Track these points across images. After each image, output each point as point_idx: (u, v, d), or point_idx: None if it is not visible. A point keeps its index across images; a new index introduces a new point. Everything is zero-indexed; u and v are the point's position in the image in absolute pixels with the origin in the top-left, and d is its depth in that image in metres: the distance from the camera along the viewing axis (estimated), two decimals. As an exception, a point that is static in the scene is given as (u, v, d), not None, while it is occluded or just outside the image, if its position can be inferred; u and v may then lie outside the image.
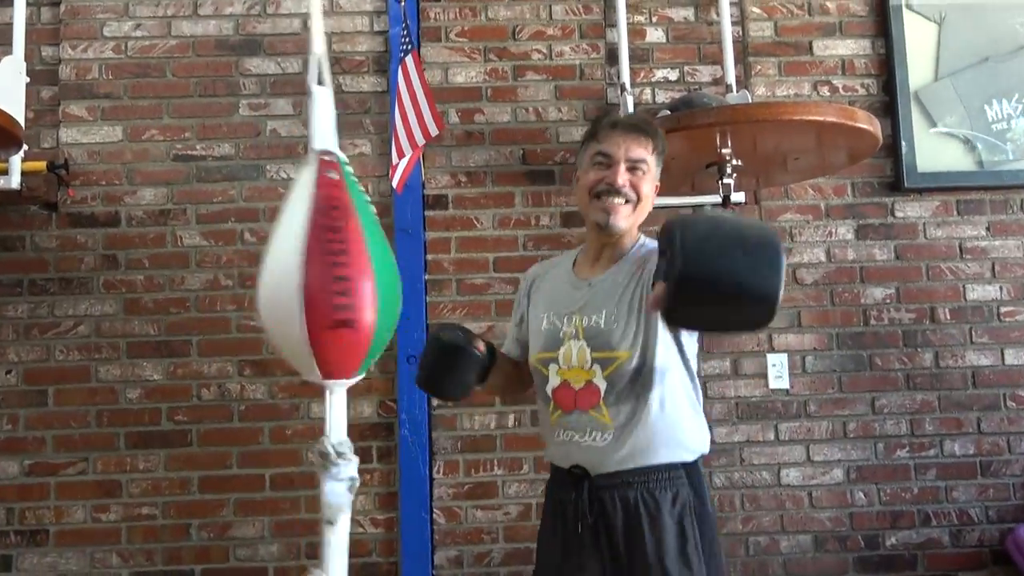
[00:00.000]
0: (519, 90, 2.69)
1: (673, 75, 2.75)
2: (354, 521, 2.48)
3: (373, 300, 1.05)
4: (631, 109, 2.58)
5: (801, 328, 2.65)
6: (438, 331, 1.57)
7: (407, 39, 2.35)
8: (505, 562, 2.51)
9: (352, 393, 2.52)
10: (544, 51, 2.71)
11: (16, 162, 2.46)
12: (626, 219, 1.51)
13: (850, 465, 2.60)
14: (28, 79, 2.54)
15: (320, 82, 1.17)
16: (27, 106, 2.55)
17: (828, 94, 2.75)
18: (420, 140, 2.28)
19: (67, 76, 2.64)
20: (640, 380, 1.45)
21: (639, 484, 1.44)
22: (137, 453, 2.52)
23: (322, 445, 1.07)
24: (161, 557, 2.49)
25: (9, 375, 2.53)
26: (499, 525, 2.52)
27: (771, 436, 2.60)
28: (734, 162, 2.17)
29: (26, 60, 2.54)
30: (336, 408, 1.11)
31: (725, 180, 2.18)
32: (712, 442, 2.53)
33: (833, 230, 2.70)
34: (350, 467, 1.09)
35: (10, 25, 2.53)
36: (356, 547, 2.47)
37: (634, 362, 1.45)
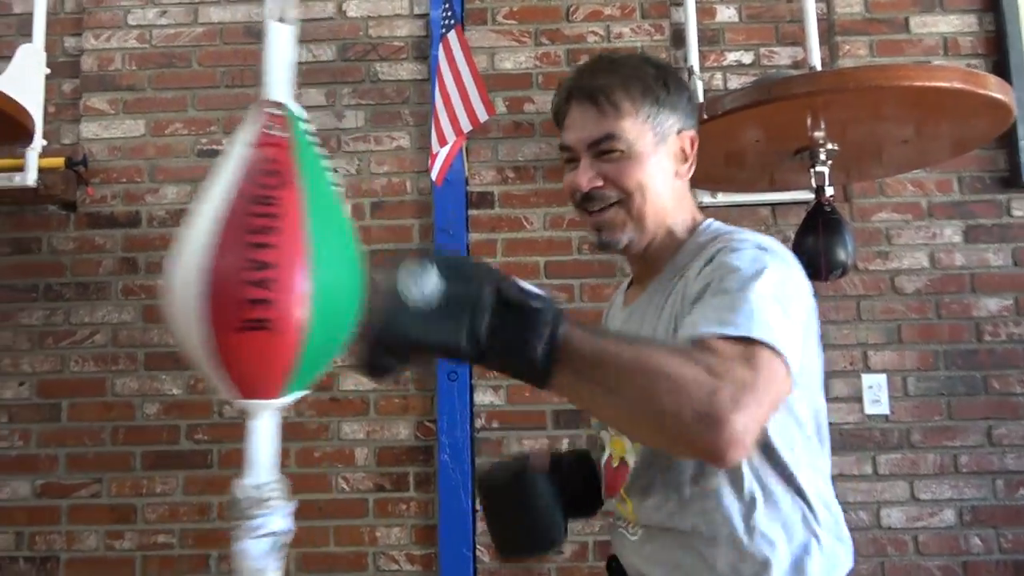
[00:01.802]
0: (574, 76, 2.41)
1: (747, 58, 2.44)
2: (389, 557, 2.24)
3: (305, 295, 0.76)
4: (701, 96, 2.28)
5: (901, 344, 2.29)
6: (478, 478, 1.18)
7: (449, 15, 2.10)
8: (557, 608, 2.21)
9: (385, 412, 2.30)
10: (601, 33, 2.43)
11: (33, 158, 2.29)
12: (625, 229, 1.01)
13: (963, 506, 2.21)
14: (49, 71, 2.38)
15: (281, 18, 0.90)
16: (48, 100, 2.40)
17: (930, 75, 2.39)
18: (466, 126, 2.02)
19: (89, 67, 2.47)
20: (669, 468, 0.95)
21: None
22: (154, 475, 2.30)
23: (238, 488, 0.78)
24: (177, 591, 2.26)
25: (22, 387, 2.35)
26: (551, 566, 2.22)
27: (868, 470, 2.24)
28: (829, 146, 1.85)
29: (48, 51, 2.38)
30: (259, 437, 0.81)
31: (819, 168, 1.85)
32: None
33: (937, 231, 2.34)
34: (275, 518, 0.80)
35: (32, 14, 2.38)
36: (390, 586, 2.21)
37: None
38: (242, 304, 0.73)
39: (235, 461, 2.27)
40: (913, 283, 2.32)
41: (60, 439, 2.32)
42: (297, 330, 0.76)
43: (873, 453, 2.24)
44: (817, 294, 2.34)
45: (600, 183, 1.00)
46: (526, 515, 1.08)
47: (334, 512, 2.26)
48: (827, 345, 2.26)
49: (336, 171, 2.40)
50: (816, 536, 0.93)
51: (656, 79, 1.02)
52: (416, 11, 2.46)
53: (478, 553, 2.23)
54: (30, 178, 2.28)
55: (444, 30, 2.09)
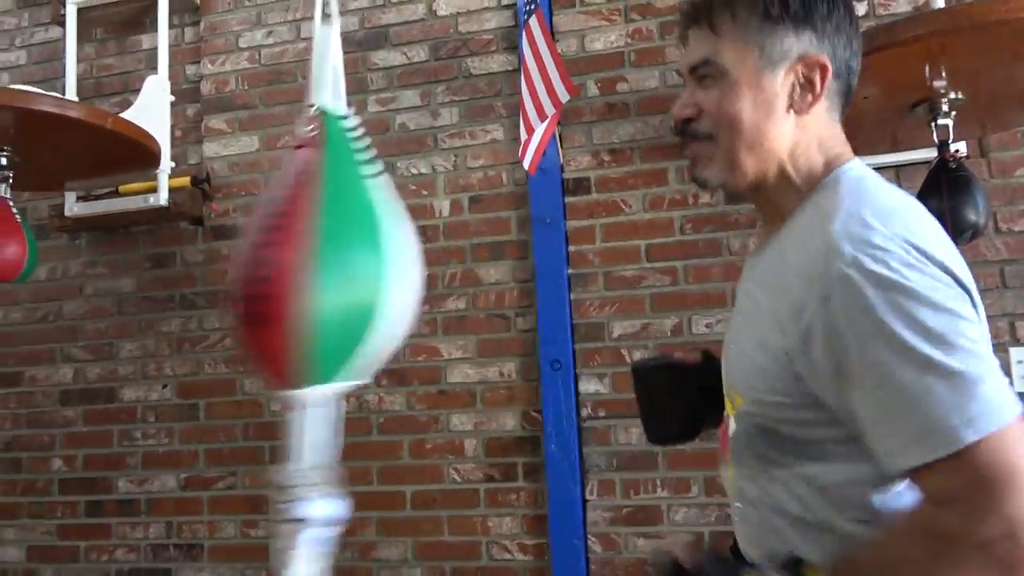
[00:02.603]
0: (668, 50, 2.32)
1: (860, 8, 2.24)
2: (501, 547, 2.25)
3: (305, 288, 0.76)
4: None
5: (1058, 312, 2.02)
6: (632, 366, 1.14)
7: (531, 2, 2.08)
8: (675, 601, 2.13)
9: (492, 404, 2.31)
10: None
11: (163, 179, 2.49)
12: (711, 165, 0.90)
13: None
14: (173, 98, 2.59)
15: (328, 21, 0.92)
16: (174, 124, 2.60)
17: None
18: (550, 110, 1.99)
19: (208, 91, 2.66)
20: (762, 450, 0.86)
21: None
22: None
23: (279, 473, 0.79)
24: (307, 577, 2.38)
25: (165, 389, 2.56)
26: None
27: (1022, 454, 2.00)
28: (951, 96, 1.66)
29: (171, 80, 2.58)
30: (296, 425, 0.82)
31: (940, 121, 1.67)
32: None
33: (1097, 182, 2.06)
34: (318, 504, 0.80)
35: (156, 48, 2.59)
36: (504, 574, 2.23)
37: (751, 409, 0.86)
38: (247, 300, 0.76)
39: (354, 454, 2.37)
40: (1069, 243, 2.05)
41: (199, 436, 2.52)
42: (300, 321, 0.77)
43: (1029, 436, 1.99)
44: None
45: (692, 112, 0.90)
46: (672, 402, 1.07)
47: (447, 502, 2.31)
48: (967, 317, 2.05)
49: (434, 168, 2.45)
50: None
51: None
52: (503, 2, 2.46)
53: (590, 543, 2.20)
54: (162, 198, 2.49)
55: (526, 16, 2.07)
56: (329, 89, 0.94)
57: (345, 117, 0.94)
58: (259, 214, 0.80)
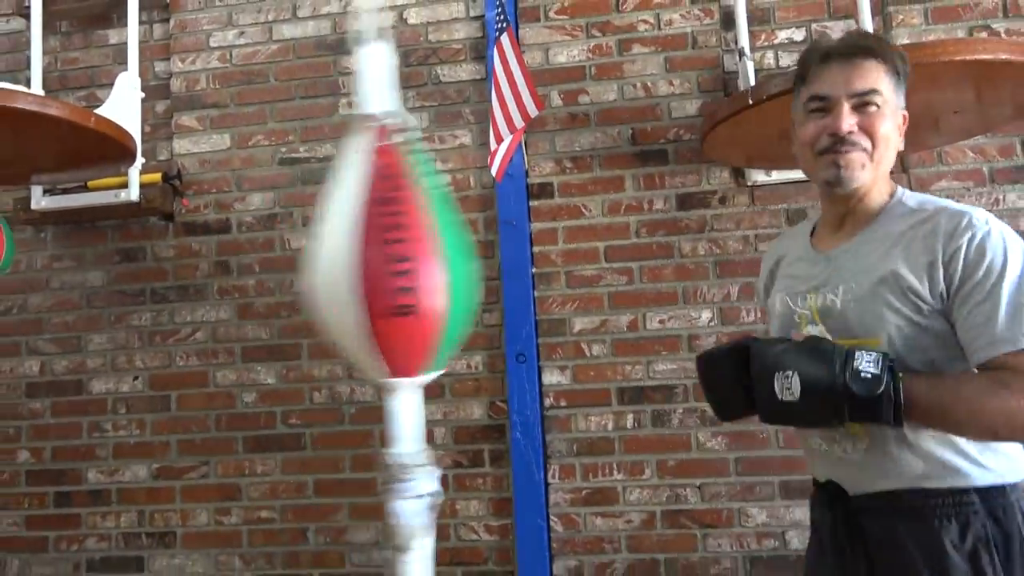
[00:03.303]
0: (625, 65, 2.50)
1: (799, 35, 2.46)
2: (468, 527, 2.40)
3: (442, 283, 0.87)
4: (752, 76, 2.33)
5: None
6: (699, 355, 1.30)
7: (502, 18, 2.22)
8: (629, 574, 2.33)
9: (460, 394, 2.46)
10: (651, 21, 2.50)
11: (135, 175, 2.54)
12: (863, 171, 1.19)
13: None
14: (143, 94, 2.62)
15: (370, 40, 1.02)
16: (143, 120, 2.62)
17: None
18: (519, 122, 2.14)
19: (178, 88, 2.70)
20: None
21: (910, 511, 1.13)
22: (255, 457, 2.53)
23: (391, 457, 0.91)
24: (280, 560, 2.49)
25: (136, 381, 2.61)
26: (621, 534, 2.34)
27: None
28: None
29: (140, 76, 2.61)
30: (405, 412, 0.94)
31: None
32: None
33: (1000, 197, 2.33)
34: (423, 481, 0.92)
35: (126, 44, 2.62)
36: (471, 555, 2.38)
37: (892, 350, 1.13)
38: (391, 293, 0.84)
39: (326, 443, 2.49)
40: (976, 250, 2.31)
41: (171, 427, 2.58)
42: (437, 313, 0.87)
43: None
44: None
45: (855, 129, 1.18)
46: (741, 378, 1.21)
47: (417, 488, 2.44)
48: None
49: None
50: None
51: (901, 59, 1.23)
52: (472, 14, 2.58)
53: (552, 523, 2.37)
54: (133, 193, 2.53)
55: (497, 32, 2.21)
56: (394, 99, 1.03)
57: (412, 127, 1.04)
58: (366, 212, 0.87)
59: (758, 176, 2.41)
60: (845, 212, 1.26)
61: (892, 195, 1.25)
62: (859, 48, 1.20)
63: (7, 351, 2.68)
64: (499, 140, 2.18)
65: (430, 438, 2.44)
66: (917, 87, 1.88)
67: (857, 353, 1.05)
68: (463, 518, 2.42)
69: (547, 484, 2.39)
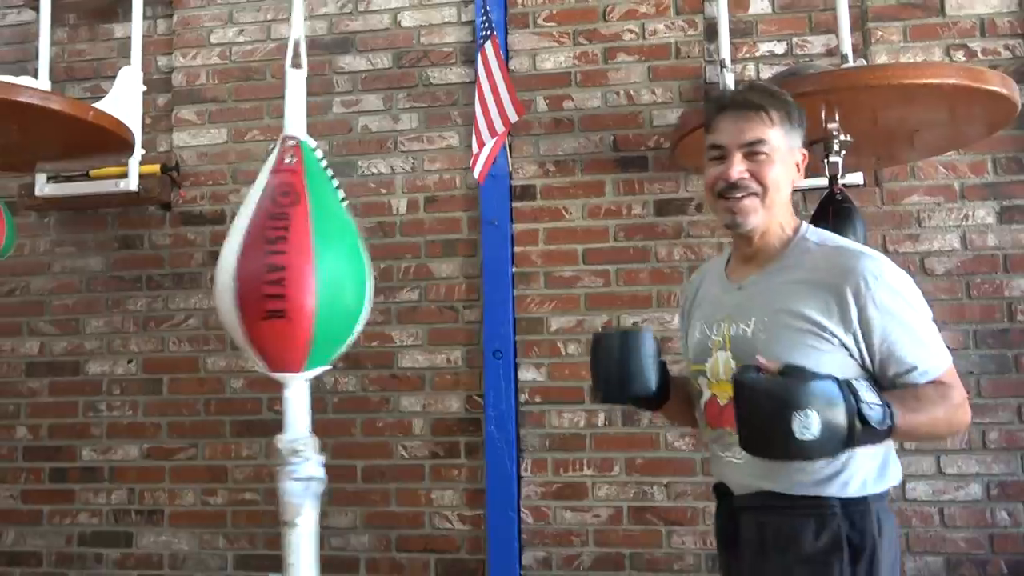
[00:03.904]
0: (610, 73, 2.57)
1: (780, 48, 2.52)
2: (442, 516, 2.49)
3: (312, 290, 0.97)
4: (731, 87, 2.39)
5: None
6: (594, 335, 1.40)
7: (487, 25, 2.29)
8: (595, 566, 2.41)
9: (439, 387, 2.54)
10: (636, 31, 2.57)
11: (134, 165, 2.63)
12: (755, 215, 1.32)
13: (990, 480, 2.28)
14: (145, 87, 2.71)
15: (296, 65, 1.10)
16: (144, 113, 2.72)
17: (964, 59, 2.42)
18: (500, 127, 2.22)
19: (179, 83, 2.80)
20: None
21: (777, 509, 1.28)
22: (241, 440, 2.63)
23: (278, 442, 1.01)
24: (262, 541, 2.59)
25: (130, 364, 2.72)
26: (589, 528, 2.42)
27: (895, 444, 2.32)
28: (842, 137, 1.94)
29: (143, 70, 2.70)
30: (292, 403, 1.03)
31: (832, 159, 1.95)
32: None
33: (970, 213, 2.38)
34: (307, 465, 1.02)
35: (130, 38, 2.71)
36: (444, 542, 2.47)
37: None
38: (263, 299, 0.94)
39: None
40: (944, 264, 2.37)
41: (162, 409, 2.68)
42: (308, 317, 0.97)
43: (899, 429, 2.32)
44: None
45: (746, 176, 1.31)
46: (629, 362, 1.34)
47: (395, 476, 2.53)
48: (855, 325, 2.36)
49: (392, 169, 2.65)
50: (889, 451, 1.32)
51: (792, 106, 1.36)
52: (463, 18, 2.66)
53: (523, 515, 2.45)
54: (132, 183, 2.63)
55: (482, 40, 2.28)
56: (303, 124, 1.12)
57: (315, 148, 1.13)
58: (255, 226, 0.97)
59: (735, 185, 2.47)
60: (751, 247, 1.38)
61: (796, 231, 1.37)
62: (748, 103, 1.33)
63: (9, 331, 2.79)
64: (481, 144, 2.26)
65: (408, 429, 2.54)
66: (891, 103, 1.97)
67: (854, 384, 1.12)
68: (438, 507, 2.51)
69: (519, 477, 2.47)
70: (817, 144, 2.05)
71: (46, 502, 2.70)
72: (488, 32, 2.28)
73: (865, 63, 2.30)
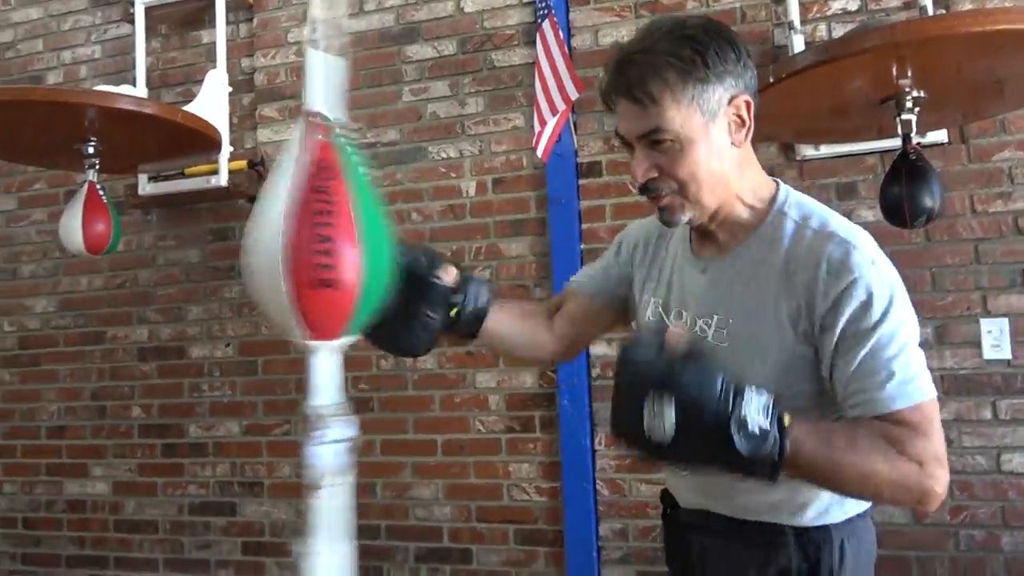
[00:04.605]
0: (674, 43, 2.53)
1: (853, 4, 2.42)
2: (520, 488, 2.56)
3: (358, 262, 1.02)
4: (800, 50, 2.31)
5: (1025, 287, 2.22)
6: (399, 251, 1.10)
7: (544, 4, 2.31)
8: (671, 538, 2.42)
9: (514, 364, 2.61)
10: (700, -2, 2.52)
11: (223, 162, 2.81)
12: (683, 211, 1.05)
13: (1096, 451, 2.14)
14: (230, 88, 2.89)
15: (316, 45, 1.14)
16: (231, 112, 2.90)
17: (1060, 1, 2.25)
18: (560, 105, 2.24)
19: (261, 82, 2.96)
20: None
21: (724, 532, 1.10)
22: (329, 418, 2.78)
23: (307, 408, 1.07)
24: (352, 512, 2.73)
25: (228, 348, 2.92)
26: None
27: (987, 415, 2.22)
28: (915, 94, 1.86)
29: (228, 72, 2.89)
30: (322, 369, 1.09)
31: (904, 116, 1.87)
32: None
33: (1069, 167, 2.22)
34: (336, 429, 1.07)
35: (215, 43, 2.90)
36: (522, 514, 2.54)
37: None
38: (314, 268, 1.01)
39: (392, 406, 2.70)
40: (1040, 223, 2.23)
41: (258, 389, 2.87)
42: (353, 287, 1.03)
43: (992, 398, 2.21)
44: (931, 239, 2.33)
45: (655, 174, 1.03)
46: (401, 314, 1.15)
47: (473, 450, 2.62)
48: (942, 290, 2.27)
49: (461, 153, 2.71)
50: None
51: (692, 57, 0.98)
52: (524, 0, 2.68)
53: (598, 487, 2.49)
54: (222, 179, 2.81)
55: (540, 19, 2.30)
56: (333, 103, 1.17)
57: (343, 125, 1.18)
58: (301, 199, 1.03)
59: (807, 151, 2.40)
60: (710, 226, 1.10)
61: (772, 201, 1.08)
62: (626, 85, 1.01)
63: (122, 320, 3.05)
64: (543, 123, 2.29)
65: (485, 405, 2.61)
66: (977, 55, 1.86)
67: (747, 394, 0.87)
68: (515, 479, 2.59)
69: (594, 450, 2.50)
70: (889, 102, 1.98)
71: (160, 475, 2.95)
72: (546, 11, 2.30)
73: (945, 12, 2.17)
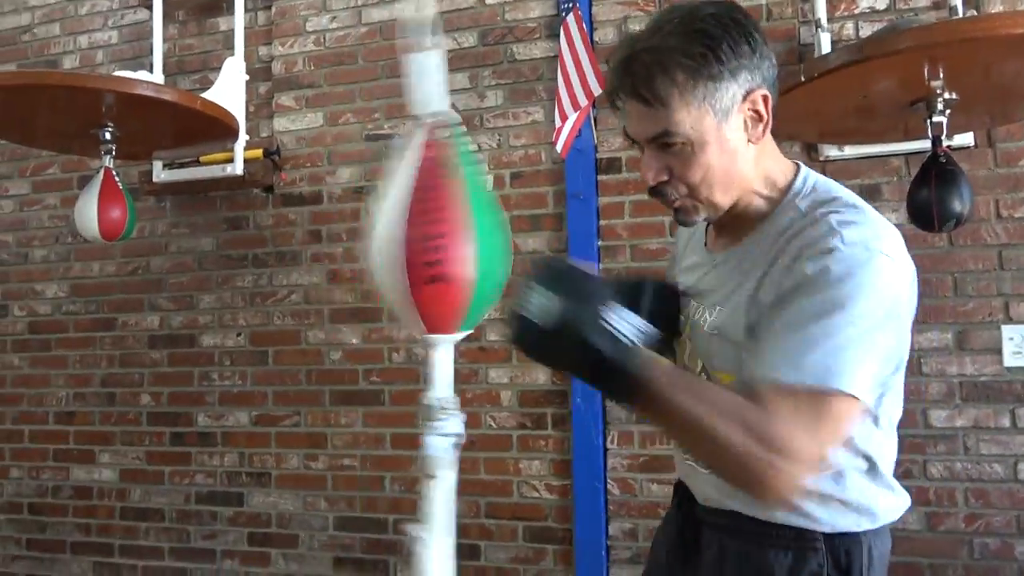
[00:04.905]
0: (697, 40, 2.50)
1: (882, 3, 2.39)
2: (530, 485, 2.55)
3: (470, 256, 1.03)
4: (827, 48, 2.29)
5: (1049, 294, 2.19)
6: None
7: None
8: (683, 540, 2.40)
9: (526, 360, 2.57)
10: (725, -5, 2.49)
11: (239, 151, 2.80)
12: (697, 212, 1.02)
13: (1117, 462, 2.11)
14: (248, 77, 2.87)
15: (428, 43, 1.15)
16: (248, 101, 2.89)
17: (1092, 5, 2.22)
18: (583, 101, 2.22)
19: (278, 71, 2.94)
20: None
21: (749, 534, 1.04)
22: (340, 409, 2.77)
23: (425, 399, 1.09)
24: (360, 504, 2.73)
25: (239, 337, 2.90)
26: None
27: (1006, 422, 2.19)
28: (946, 96, 1.83)
29: (245, 60, 2.87)
30: (440, 363, 1.11)
31: (935, 119, 1.84)
32: (928, 425, 2.23)
33: (1097, 173, 2.19)
34: (452, 423, 1.09)
35: (233, 31, 2.88)
36: (533, 511, 2.52)
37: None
38: (427, 264, 1.02)
39: (403, 400, 2.69)
40: (1065, 230, 2.20)
41: (268, 379, 2.86)
42: (465, 282, 1.05)
43: (1012, 406, 2.18)
44: (954, 244, 2.31)
45: (665, 177, 1.00)
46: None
47: (484, 446, 2.60)
48: (964, 295, 2.24)
49: (479, 147, 2.69)
50: (874, 480, 1.04)
51: (704, 53, 0.94)
52: (547, -8, 2.66)
53: (609, 486, 2.47)
54: (238, 168, 2.80)
55: (565, 13, 2.28)
56: (444, 99, 1.19)
57: (459, 123, 1.20)
58: (416, 197, 1.04)
59: (830, 151, 2.38)
60: (726, 218, 1.06)
61: (787, 190, 1.03)
62: (633, 85, 0.96)
63: (133, 307, 3.03)
64: (564, 118, 2.27)
65: (497, 401, 2.60)
66: (1006, 56, 1.83)
67: (618, 307, 0.86)
68: (526, 476, 2.57)
69: (606, 449, 2.49)
70: (919, 104, 1.95)
71: (168, 463, 2.94)
72: (570, 5, 2.27)
73: (976, 14, 2.14)
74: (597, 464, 2.48)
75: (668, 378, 0.87)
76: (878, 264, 0.91)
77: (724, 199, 1.01)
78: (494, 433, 2.61)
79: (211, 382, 2.91)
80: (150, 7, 2.96)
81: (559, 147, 2.28)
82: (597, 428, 2.48)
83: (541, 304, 0.85)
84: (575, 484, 2.49)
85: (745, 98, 0.97)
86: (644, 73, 0.95)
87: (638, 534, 2.44)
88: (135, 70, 2.73)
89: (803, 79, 1.76)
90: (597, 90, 2.21)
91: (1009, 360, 2.20)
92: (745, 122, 0.99)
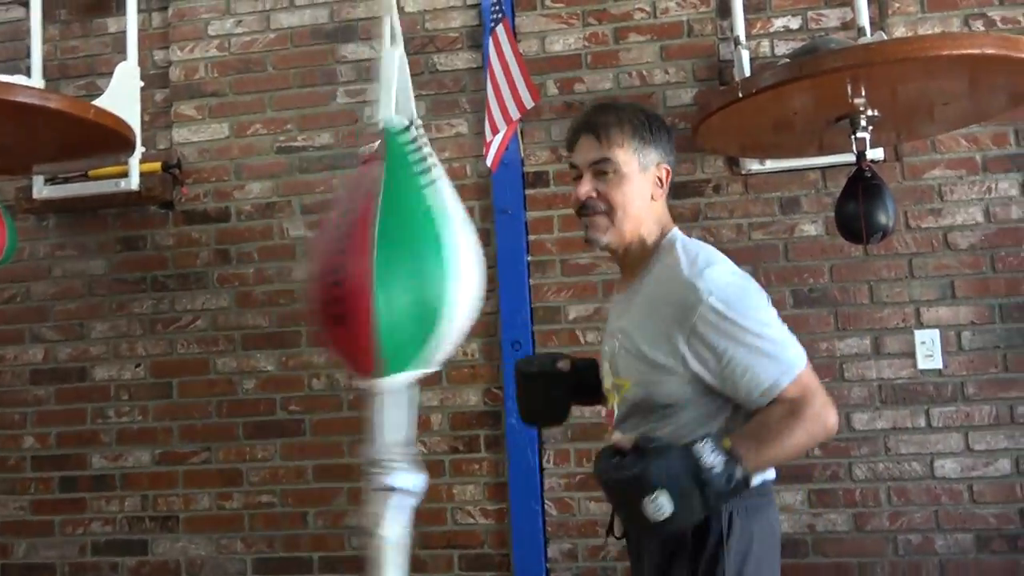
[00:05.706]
0: (621, 54, 2.51)
1: (795, 23, 2.47)
2: (465, 512, 2.45)
3: (368, 290, 0.90)
4: (746, 65, 2.33)
5: (955, 300, 2.31)
6: (517, 365, 1.62)
7: (498, 9, 2.23)
8: (621, 557, 2.36)
9: (457, 381, 2.50)
10: (647, 9, 2.51)
11: (135, 164, 2.56)
12: (606, 232, 1.34)
13: (1019, 455, 2.25)
14: (142, 83, 2.64)
15: (382, 46, 1.04)
16: (143, 110, 2.65)
17: (983, 28, 2.37)
18: (515, 114, 2.16)
19: (177, 77, 2.72)
20: (642, 413, 1.33)
21: None
22: (255, 443, 2.58)
23: (370, 452, 0.97)
24: (281, 544, 2.54)
25: (138, 368, 2.65)
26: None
27: (922, 423, 2.30)
28: (869, 113, 1.90)
29: (140, 65, 2.63)
30: (377, 411, 0.98)
31: (859, 134, 1.91)
32: (851, 429, 2.31)
33: (992, 186, 2.34)
34: (391, 477, 0.97)
35: (125, 33, 2.63)
36: (468, 538, 2.43)
37: (636, 392, 1.32)
38: (327, 303, 0.89)
39: (325, 429, 2.53)
40: (967, 238, 2.33)
41: (173, 413, 2.62)
42: (365, 319, 0.91)
43: (926, 406, 2.30)
44: (868, 254, 2.39)
45: (595, 194, 1.34)
46: (544, 400, 1.58)
47: (415, 472, 2.48)
48: (879, 303, 2.33)
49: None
50: None
51: (644, 123, 1.36)
52: (469, 1, 2.59)
53: (547, 507, 2.41)
54: (133, 182, 2.56)
55: (493, 23, 2.22)
56: (392, 106, 1.06)
57: (405, 130, 1.05)
58: (330, 226, 0.92)
59: (752, 165, 2.43)
60: (622, 261, 1.41)
61: (662, 244, 1.36)
62: (593, 124, 1.36)
63: (11, 339, 2.72)
64: (495, 131, 2.20)
65: (427, 425, 2.49)
66: (910, 78, 1.92)
67: (696, 448, 1.12)
68: (460, 502, 2.47)
69: (542, 469, 2.43)
70: (842, 121, 2.02)
71: (57, 512, 2.64)
72: (499, 16, 2.21)
73: (884, 35, 2.24)
74: (534, 485, 2.41)
75: (749, 451, 1.15)
76: (742, 283, 1.29)
77: (627, 230, 1.35)
78: (425, 459, 2.48)
79: (106, 419, 2.64)
80: (26, 5, 2.66)
81: (489, 161, 2.21)
82: (533, 448, 2.42)
83: (661, 508, 1.08)
84: (512, 507, 2.42)
85: (658, 165, 1.37)
86: (605, 120, 1.36)
87: (577, 554, 2.40)
88: (11, 74, 2.44)
89: (741, 95, 1.78)
90: (530, 103, 2.16)
91: (922, 363, 2.31)
92: (653, 182, 1.37)
